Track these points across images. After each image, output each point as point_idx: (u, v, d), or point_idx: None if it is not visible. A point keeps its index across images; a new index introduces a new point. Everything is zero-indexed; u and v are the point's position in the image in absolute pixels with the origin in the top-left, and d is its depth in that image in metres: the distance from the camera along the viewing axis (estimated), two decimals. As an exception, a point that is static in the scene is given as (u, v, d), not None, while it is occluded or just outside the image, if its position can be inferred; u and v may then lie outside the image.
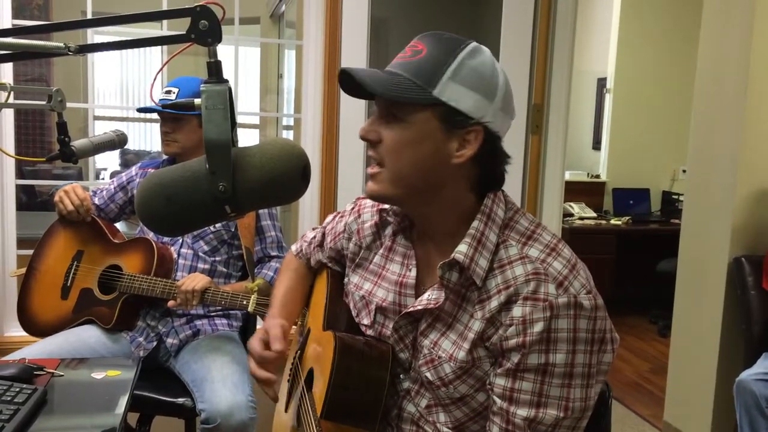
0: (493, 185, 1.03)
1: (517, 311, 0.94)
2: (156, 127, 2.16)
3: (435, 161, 0.98)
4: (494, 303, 0.97)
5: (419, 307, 1.04)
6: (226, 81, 0.84)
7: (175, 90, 1.96)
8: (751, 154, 2.51)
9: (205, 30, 0.82)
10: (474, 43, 1.00)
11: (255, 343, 1.22)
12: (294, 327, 1.38)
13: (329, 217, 1.33)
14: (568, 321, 0.92)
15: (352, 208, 1.24)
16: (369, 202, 1.21)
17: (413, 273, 1.09)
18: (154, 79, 1.03)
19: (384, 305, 1.11)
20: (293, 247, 1.41)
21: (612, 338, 0.97)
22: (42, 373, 1.34)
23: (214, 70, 0.84)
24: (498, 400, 0.97)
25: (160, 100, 1.98)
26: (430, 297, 1.03)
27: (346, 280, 1.22)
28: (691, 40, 3.17)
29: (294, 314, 1.36)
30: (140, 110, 2.00)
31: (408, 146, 0.97)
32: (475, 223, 1.00)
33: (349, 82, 1.00)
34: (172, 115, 1.93)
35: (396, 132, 0.98)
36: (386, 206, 1.15)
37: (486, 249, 0.99)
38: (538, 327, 0.92)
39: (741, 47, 2.50)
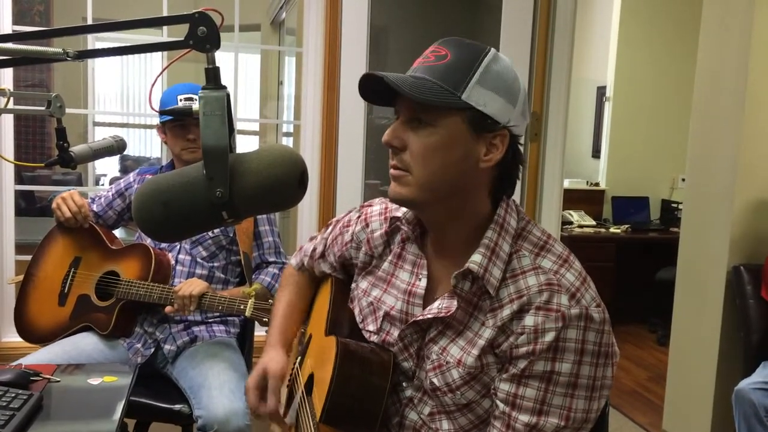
0: (508, 189, 1.04)
1: (529, 320, 0.95)
2: (155, 133, 2.13)
3: (464, 166, 0.98)
4: (506, 312, 0.97)
5: (429, 316, 1.04)
6: (224, 87, 0.84)
7: (196, 96, 1.96)
8: (750, 163, 2.52)
9: (203, 36, 0.83)
10: (494, 49, 1.01)
11: (251, 389, 1.22)
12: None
13: (330, 227, 1.32)
14: (578, 332, 0.93)
15: (358, 217, 1.23)
16: (376, 210, 1.20)
17: (423, 283, 1.08)
18: (152, 86, 1.04)
19: (392, 313, 1.11)
20: (293, 261, 1.39)
21: (614, 352, 0.98)
22: (38, 378, 1.33)
23: (212, 76, 0.84)
24: (500, 405, 0.97)
25: (181, 106, 1.96)
26: (441, 306, 1.03)
27: (353, 285, 1.22)
28: (690, 49, 3.18)
29: (294, 336, 1.35)
30: (168, 112, 1.93)
31: (437, 151, 0.97)
32: (489, 233, 1.00)
33: (369, 86, 1.00)
34: (198, 122, 1.91)
35: (423, 137, 0.97)
36: (398, 214, 1.14)
37: (500, 259, 0.99)
38: (549, 336, 0.93)
39: (739, 56, 2.50)
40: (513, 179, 1.04)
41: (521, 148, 1.04)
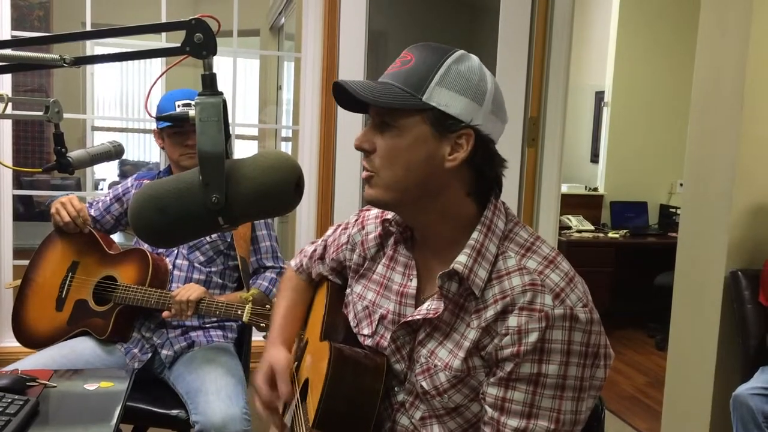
0: (491, 190, 1.04)
1: (512, 321, 0.95)
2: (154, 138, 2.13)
3: (428, 166, 0.99)
4: (490, 312, 0.97)
5: (418, 317, 1.04)
6: (221, 93, 0.85)
7: (194, 102, 1.95)
8: (748, 168, 2.52)
9: (199, 43, 0.83)
10: (461, 51, 1.02)
11: (261, 382, 1.22)
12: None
13: (330, 230, 1.33)
14: (563, 333, 0.93)
15: (356, 220, 1.25)
16: (372, 213, 1.22)
17: (414, 283, 1.09)
18: (149, 92, 1.04)
19: (387, 315, 1.11)
20: (292, 263, 1.41)
21: (606, 354, 0.97)
22: (34, 384, 1.33)
23: (209, 82, 0.85)
24: (489, 410, 0.97)
25: (180, 112, 1.95)
26: (430, 307, 1.04)
27: (348, 290, 1.22)
28: (688, 54, 3.19)
29: (294, 335, 1.36)
30: (165, 119, 1.94)
31: (401, 152, 0.99)
32: (475, 234, 1.01)
33: (343, 94, 1.02)
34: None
35: (389, 139, 1.00)
36: (389, 216, 1.15)
37: (485, 260, 1.00)
38: (533, 337, 0.93)
39: (737, 61, 2.51)
40: (491, 179, 1.04)
41: (494, 147, 1.03)
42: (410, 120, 0.98)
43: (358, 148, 1.03)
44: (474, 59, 1.02)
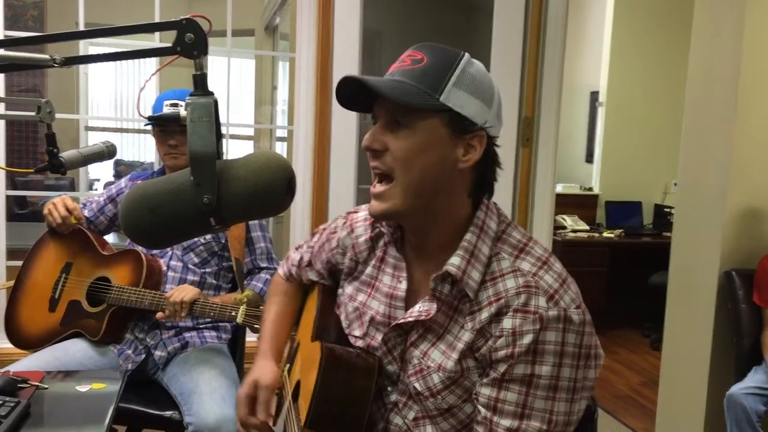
0: (486, 189, 1.05)
1: (507, 323, 0.95)
2: (150, 138, 2.14)
3: (443, 167, 0.99)
4: (485, 314, 0.97)
5: (410, 319, 1.04)
6: (212, 93, 0.84)
7: (182, 103, 1.95)
8: (742, 168, 2.53)
9: (190, 43, 0.83)
10: (467, 53, 1.02)
11: (242, 401, 1.22)
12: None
13: (316, 235, 1.32)
14: (557, 334, 0.93)
15: (344, 223, 1.23)
16: (361, 215, 1.21)
17: (403, 285, 1.09)
18: (140, 92, 1.04)
19: (377, 317, 1.11)
20: (280, 271, 1.40)
21: (597, 354, 0.98)
22: (26, 385, 1.33)
23: (200, 82, 0.84)
24: (482, 410, 0.97)
25: (164, 113, 1.96)
26: (422, 309, 1.03)
27: (339, 291, 1.22)
28: (682, 54, 3.19)
29: (284, 343, 1.35)
30: (151, 118, 1.93)
31: (418, 154, 0.98)
32: (467, 236, 1.00)
33: (346, 91, 1.01)
34: (181, 128, 1.92)
35: (403, 140, 0.98)
36: None
37: (479, 261, 0.99)
38: (527, 339, 0.93)
39: (731, 60, 2.52)
40: (491, 180, 1.05)
41: (497, 150, 1.04)
42: (426, 121, 0.97)
43: (367, 148, 1.01)
44: (479, 63, 1.03)
